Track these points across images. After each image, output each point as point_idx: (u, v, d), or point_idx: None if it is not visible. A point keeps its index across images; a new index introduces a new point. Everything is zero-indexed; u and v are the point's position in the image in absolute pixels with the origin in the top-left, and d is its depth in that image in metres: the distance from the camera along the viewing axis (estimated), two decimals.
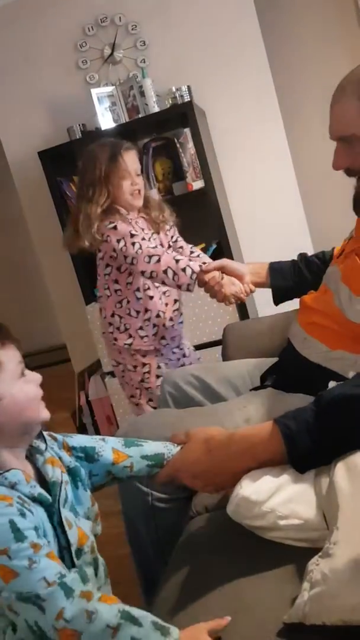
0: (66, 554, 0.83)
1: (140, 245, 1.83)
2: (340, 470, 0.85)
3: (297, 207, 2.95)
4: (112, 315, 2.02)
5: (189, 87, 2.68)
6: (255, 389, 1.32)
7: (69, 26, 2.91)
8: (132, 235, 1.86)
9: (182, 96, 2.66)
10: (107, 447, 0.96)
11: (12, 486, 0.79)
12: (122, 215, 1.94)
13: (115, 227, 1.88)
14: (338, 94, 1.11)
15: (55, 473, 0.86)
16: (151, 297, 2.00)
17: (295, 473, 0.89)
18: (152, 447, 0.99)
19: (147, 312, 1.99)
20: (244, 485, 0.88)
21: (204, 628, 0.75)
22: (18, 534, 0.74)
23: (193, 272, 1.74)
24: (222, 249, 2.64)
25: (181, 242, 2.14)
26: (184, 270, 1.76)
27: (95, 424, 3.03)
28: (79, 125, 2.77)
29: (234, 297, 1.60)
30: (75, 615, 0.71)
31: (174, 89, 2.67)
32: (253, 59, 2.83)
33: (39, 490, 0.82)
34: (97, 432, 3.03)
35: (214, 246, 2.74)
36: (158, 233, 2.06)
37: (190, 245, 2.14)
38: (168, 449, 0.99)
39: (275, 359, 1.38)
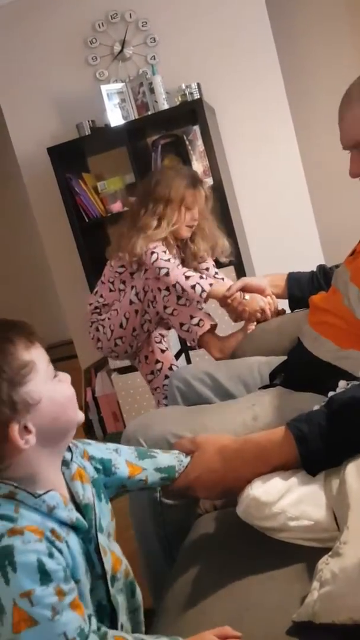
0: (100, 583, 0.79)
1: (159, 255, 1.86)
2: (352, 470, 0.84)
3: (305, 206, 2.94)
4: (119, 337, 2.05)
5: (198, 85, 2.67)
6: (265, 387, 1.32)
7: (79, 22, 2.91)
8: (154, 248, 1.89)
9: (191, 93, 2.66)
10: (122, 460, 0.91)
11: (50, 511, 0.73)
12: (167, 241, 1.95)
13: (154, 254, 1.88)
14: (347, 101, 1.09)
15: (86, 493, 0.80)
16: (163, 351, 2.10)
17: (306, 474, 0.89)
18: (165, 459, 0.95)
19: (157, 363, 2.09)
20: (254, 486, 0.88)
21: (210, 635, 0.73)
22: (44, 577, 0.67)
23: (203, 290, 1.79)
24: (230, 247, 2.63)
25: (218, 274, 2.18)
26: (193, 287, 1.80)
27: (101, 421, 3.04)
28: (88, 121, 2.78)
29: (260, 312, 1.63)
30: None
31: (183, 86, 2.67)
32: (263, 56, 2.83)
33: (76, 514, 0.77)
34: (104, 429, 3.04)
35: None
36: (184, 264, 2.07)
37: (215, 270, 2.19)
38: (179, 460, 0.95)
39: (284, 358, 1.38)
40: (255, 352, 1.56)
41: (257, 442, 0.92)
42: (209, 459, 0.92)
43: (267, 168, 2.92)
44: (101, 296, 2.09)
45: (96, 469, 0.87)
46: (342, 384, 0.99)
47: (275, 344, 1.56)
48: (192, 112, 2.63)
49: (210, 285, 1.79)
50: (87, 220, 2.79)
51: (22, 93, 3.03)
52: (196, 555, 0.97)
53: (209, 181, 2.67)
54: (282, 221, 2.93)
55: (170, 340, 2.28)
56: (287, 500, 0.86)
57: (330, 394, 0.96)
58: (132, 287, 1.96)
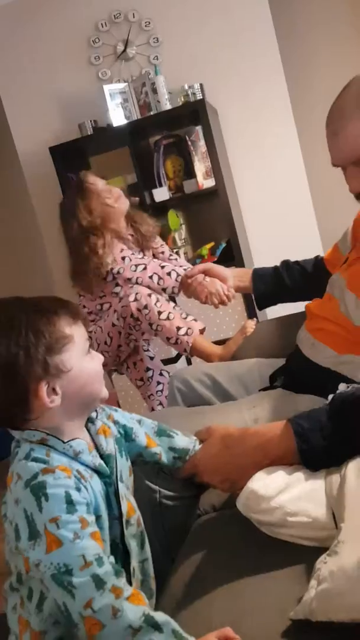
0: (116, 524, 0.89)
1: (130, 258, 1.98)
2: (352, 470, 0.85)
3: (307, 206, 2.95)
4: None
5: (201, 85, 2.68)
6: (265, 389, 1.33)
7: (82, 22, 2.92)
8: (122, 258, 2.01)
9: (194, 94, 2.66)
10: (142, 431, 1.00)
11: (76, 455, 0.84)
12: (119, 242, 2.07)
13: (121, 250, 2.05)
14: (340, 116, 1.05)
15: (108, 445, 0.91)
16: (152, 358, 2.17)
17: (307, 472, 0.90)
18: (181, 440, 1.03)
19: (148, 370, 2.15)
20: (255, 479, 0.89)
21: (212, 637, 0.76)
22: (70, 507, 0.78)
23: (178, 275, 1.89)
24: (231, 247, 2.65)
25: (173, 255, 2.30)
26: (169, 274, 1.91)
27: None
28: (91, 121, 2.78)
29: (217, 297, 1.63)
30: (102, 607, 0.74)
31: (186, 87, 2.67)
32: (266, 57, 2.83)
33: (99, 460, 0.88)
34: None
35: (224, 244, 2.75)
36: (144, 250, 2.17)
37: (177, 258, 2.32)
38: (193, 444, 1.03)
39: (284, 360, 1.39)
40: (255, 354, 1.57)
41: (259, 433, 0.96)
42: (214, 443, 0.98)
43: (269, 169, 2.92)
44: (84, 307, 2.14)
45: (119, 432, 0.97)
46: (342, 387, 1.00)
47: (275, 346, 1.57)
48: (194, 112, 2.64)
49: (185, 269, 1.87)
50: None
51: (24, 92, 3.03)
52: (195, 556, 0.98)
53: (211, 182, 2.68)
54: (283, 222, 2.94)
55: (157, 345, 2.31)
56: (286, 495, 0.87)
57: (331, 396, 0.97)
58: (115, 311, 2.00)
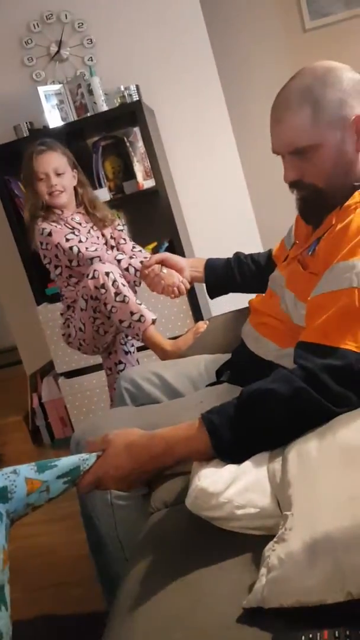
0: None
1: (79, 249, 1.94)
2: (292, 457, 0.88)
3: (245, 205, 3.00)
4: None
5: (137, 86, 2.68)
6: (212, 384, 1.34)
7: (14, 22, 2.86)
8: (67, 240, 1.97)
9: (130, 95, 2.66)
10: (20, 479, 0.93)
11: None
12: (55, 215, 2.01)
13: (50, 234, 1.99)
14: (285, 107, 1.07)
15: None
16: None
17: (251, 463, 0.92)
18: (66, 463, 0.97)
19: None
20: (202, 477, 0.90)
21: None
22: None
23: (136, 270, 1.92)
24: (174, 247, 2.66)
25: (125, 238, 2.24)
26: (127, 269, 1.93)
27: (48, 426, 3.00)
28: (26, 123, 2.74)
29: (173, 288, 1.63)
30: None
31: (122, 88, 2.67)
32: (200, 57, 2.87)
33: None
34: (51, 435, 3.00)
35: (166, 244, 2.76)
36: (102, 229, 2.12)
37: (132, 242, 2.25)
38: (83, 459, 0.98)
39: (230, 355, 1.41)
40: (201, 350, 1.59)
41: (166, 437, 0.97)
42: (117, 455, 0.96)
43: (207, 167, 2.96)
44: (62, 294, 2.12)
45: None
46: None
47: (220, 342, 1.60)
48: (131, 113, 2.64)
49: (142, 262, 1.81)
50: None
51: None
52: (148, 552, 0.98)
53: (151, 183, 2.68)
54: (223, 220, 2.98)
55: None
56: (233, 489, 0.89)
57: None
58: (82, 296, 1.98)
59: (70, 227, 2.05)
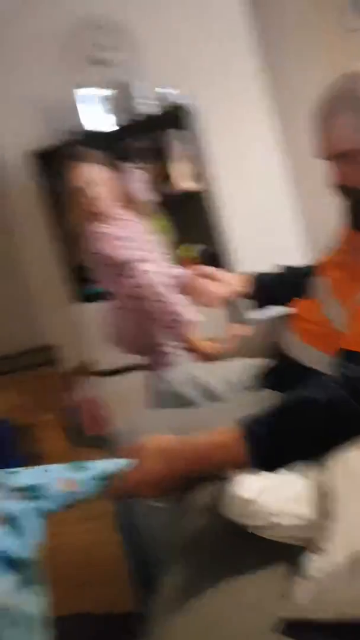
0: None
1: (126, 250, 1.96)
2: (335, 467, 0.86)
3: (288, 209, 2.97)
4: None
5: (180, 89, 2.69)
6: (251, 389, 1.33)
7: (57, 27, 2.90)
8: (115, 241, 1.98)
9: (173, 99, 2.67)
10: (54, 477, 0.94)
11: None
12: (101, 216, 2.04)
13: (97, 237, 2.00)
14: (327, 110, 1.08)
15: None
16: None
17: (290, 471, 0.91)
18: (100, 466, 0.97)
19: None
20: (238, 483, 0.89)
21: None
22: None
23: (177, 276, 1.89)
24: (214, 250, 2.66)
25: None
26: (168, 274, 1.91)
27: (82, 425, 3.03)
28: (68, 127, 2.77)
29: (213, 301, 1.63)
30: None
31: (165, 92, 2.68)
32: (246, 60, 2.85)
33: None
34: (85, 433, 3.02)
35: (205, 247, 2.75)
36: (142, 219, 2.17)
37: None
38: (116, 464, 0.97)
39: (270, 360, 1.39)
40: (241, 355, 1.58)
41: (201, 443, 0.95)
42: (151, 460, 0.94)
43: (249, 171, 2.94)
44: (107, 291, 2.13)
45: (26, 497, 0.90)
46: None
47: (260, 347, 1.58)
48: (173, 117, 2.64)
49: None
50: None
51: (1, 99, 3.00)
52: (183, 556, 0.98)
53: (192, 186, 2.68)
54: (266, 225, 2.95)
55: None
56: (270, 497, 0.88)
57: None
58: (126, 294, 2.00)
59: (116, 225, 2.07)
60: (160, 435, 0.99)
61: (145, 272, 1.88)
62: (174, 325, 1.87)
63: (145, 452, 0.96)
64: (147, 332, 2.03)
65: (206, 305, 1.61)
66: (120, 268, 2.00)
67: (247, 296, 1.61)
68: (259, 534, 0.90)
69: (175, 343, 2.19)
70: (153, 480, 0.94)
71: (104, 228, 2.02)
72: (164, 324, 1.88)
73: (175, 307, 1.87)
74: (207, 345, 1.87)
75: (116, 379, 2.77)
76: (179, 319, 1.86)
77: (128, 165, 2.77)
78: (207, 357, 1.83)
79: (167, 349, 2.20)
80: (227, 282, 1.58)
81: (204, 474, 0.95)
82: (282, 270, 1.60)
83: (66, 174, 2.06)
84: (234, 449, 0.92)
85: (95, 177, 2.06)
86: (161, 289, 1.87)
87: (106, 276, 2.08)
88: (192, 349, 1.89)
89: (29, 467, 0.95)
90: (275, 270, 1.61)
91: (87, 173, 2.05)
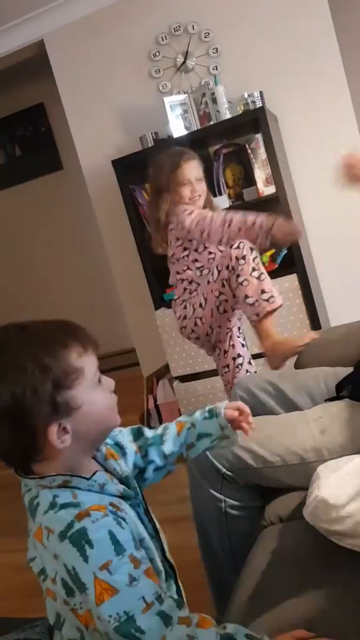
0: (156, 542, 0.85)
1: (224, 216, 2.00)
2: None
3: None
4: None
5: (261, 93, 2.67)
6: (331, 399, 1.29)
7: (143, 36, 2.97)
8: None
9: (254, 102, 2.65)
10: (170, 428, 0.97)
11: (102, 488, 0.79)
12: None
13: (192, 212, 2.06)
14: None
15: (122, 467, 0.87)
16: None
17: None
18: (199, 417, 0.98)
19: None
20: (323, 488, 0.87)
21: (290, 636, 0.74)
22: (118, 547, 0.72)
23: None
24: (293, 255, 2.61)
25: None
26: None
27: None
28: (152, 133, 2.83)
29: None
30: None
31: (246, 95, 2.67)
32: (327, 63, 2.79)
33: (122, 486, 0.83)
34: None
35: (285, 251, 2.71)
36: None
37: None
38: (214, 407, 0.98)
39: (351, 369, 1.35)
40: (320, 362, 1.54)
41: None
42: None
43: (330, 175, 2.86)
44: (177, 273, 2.17)
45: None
46: None
47: (341, 354, 1.53)
48: (254, 120, 2.63)
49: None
50: (149, 230, 2.84)
51: (87, 107, 3.12)
52: (262, 567, 0.97)
53: (271, 190, 2.66)
54: (346, 230, 2.87)
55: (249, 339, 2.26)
56: (356, 504, 0.85)
57: None
58: (207, 269, 2.05)
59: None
60: None
61: (247, 244, 1.89)
62: (260, 303, 1.85)
63: None
64: (223, 310, 2.03)
65: None
66: (208, 241, 2.05)
67: None
68: (339, 542, 0.88)
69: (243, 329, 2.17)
70: None
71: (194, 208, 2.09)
72: (248, 299, 1.88)
73: (267, 285, 1.87)
74: (278, 336, 1.84)
75: (193, 383, 2.79)
76: (267, 298, 1.85)
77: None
78: (277, 346, 1.81)
79: (242, 341, 2.17)
80: None
81: None
82: None
83: (172, 167, 2.12)
84: None
85: (200, 174, 2.16)
86: (259, 265, 1.89)
87: (186, 257, 2.13)
88: (264, 333, 1.87)
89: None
90: None
91: (198, 168, 2.15)
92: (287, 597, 0.85)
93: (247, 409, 0.96)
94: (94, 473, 0.80)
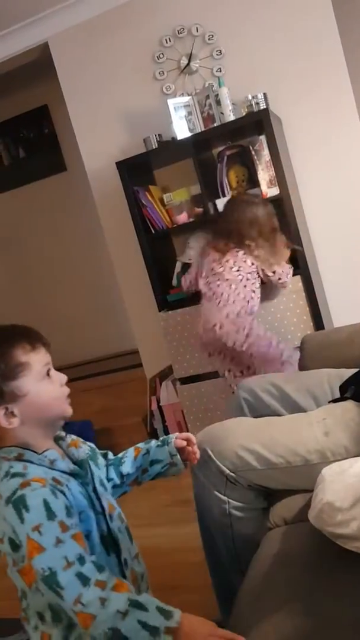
0: (102, 518, 0.96)
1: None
2: None
3: None
4: None
5: (265, 95, 2.67)
6: (335, 400, 1.29)
7: (147, 38, 2.97)
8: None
9: (257, 104, 2.65)
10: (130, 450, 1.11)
11: (52, 463, 0.92)
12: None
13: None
14: None
15: (79, 453, 1.01)
16: None
17: None
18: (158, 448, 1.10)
19: None
20: (329, 491, 0.87)
21: (213, 626, 0.79)
22: (50, 513, 0.84)
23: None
24: (296, 256, 2.61)
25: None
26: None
27: (166, 429, 3.07)
28: (155, 135, 2.83)
29: None
30: (91, 600, 0.80)
31: (250, 97, 2.67)
32: (330, 65, 2.79)
33: (72, 465, 0.97)
34: None
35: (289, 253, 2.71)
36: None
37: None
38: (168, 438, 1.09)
39: (355, 370, 1.35)
40: (324, 364, 1.54)
41: None
42: None
43: (334, 177, 2.87)
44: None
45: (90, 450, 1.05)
46: None
47: (345, 355, 1.53)
48: (258, 122, 2.63)
49: None
50: (153, 232, 2.84)
51: (91, 109, 3.12)
52: (266, 569, 0.97)
53: (275, 191, 2.66)
54: (350, 232, 2.87)
55: None
56: None
57: None
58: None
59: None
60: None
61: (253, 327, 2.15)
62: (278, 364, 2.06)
63: None
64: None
65: None
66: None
67: None
68: (344, 545, 0.88)
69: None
70: None
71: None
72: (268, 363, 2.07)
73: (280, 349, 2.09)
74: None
75: (196, 385, 2.78)
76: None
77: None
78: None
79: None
80: None
81: None
82: None
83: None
84: None
85: None
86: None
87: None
88: None
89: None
90: None
91: None
92: (292, 600, 0.85)
93: (194, 439, 1.08)
94: (46, 450, 0.94)
